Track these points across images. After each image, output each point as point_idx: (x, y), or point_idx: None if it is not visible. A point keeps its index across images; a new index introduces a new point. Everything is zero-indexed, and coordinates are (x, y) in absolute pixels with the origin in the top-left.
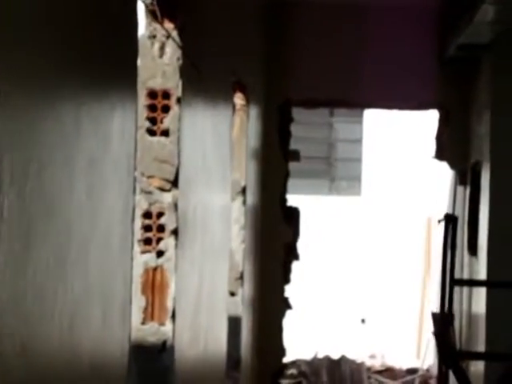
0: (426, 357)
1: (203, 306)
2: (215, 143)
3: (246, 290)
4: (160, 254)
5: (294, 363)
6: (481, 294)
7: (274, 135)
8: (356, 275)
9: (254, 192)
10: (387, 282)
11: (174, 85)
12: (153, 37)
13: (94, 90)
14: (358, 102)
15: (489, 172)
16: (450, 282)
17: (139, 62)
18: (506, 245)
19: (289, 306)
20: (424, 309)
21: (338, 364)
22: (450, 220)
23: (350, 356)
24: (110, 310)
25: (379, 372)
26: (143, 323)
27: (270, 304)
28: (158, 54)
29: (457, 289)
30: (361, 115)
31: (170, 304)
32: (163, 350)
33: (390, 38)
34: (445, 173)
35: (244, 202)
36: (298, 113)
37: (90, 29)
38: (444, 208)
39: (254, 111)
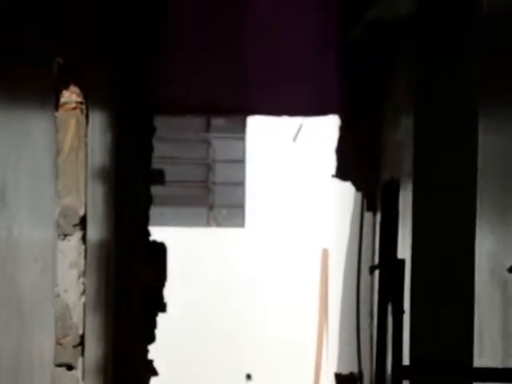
0: None
1: None
2: (15, 150)
3: (91, 359)
4: None
5: None
6: None
7: (131, 150)
8: (240, 323)
9: (101, 224)
10: (276, 331)
11: None
12: None
13: None
14: (238, 107)
15: (411, 193)
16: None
17: None
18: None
19: (153, 372)
20: (320, 362)
21: None
22: (394, 265)
23: None
24: None
25: None
26: None
27: (127, 370)
28: None
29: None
30: (243, 131)
31: None
32: None
33: (277, 25)
34: (346, 196)
35: (83, 239)
36: (166, 127)
37: None
38: (344, 239)
39: (99, 114)
